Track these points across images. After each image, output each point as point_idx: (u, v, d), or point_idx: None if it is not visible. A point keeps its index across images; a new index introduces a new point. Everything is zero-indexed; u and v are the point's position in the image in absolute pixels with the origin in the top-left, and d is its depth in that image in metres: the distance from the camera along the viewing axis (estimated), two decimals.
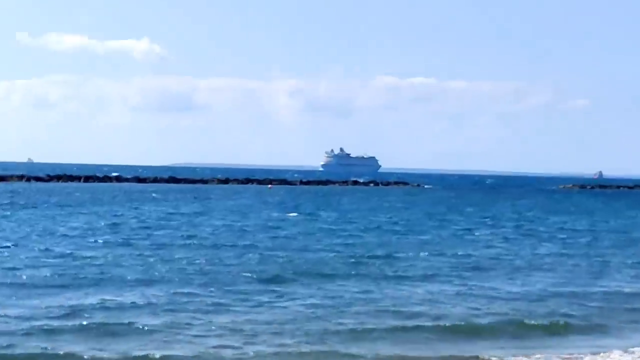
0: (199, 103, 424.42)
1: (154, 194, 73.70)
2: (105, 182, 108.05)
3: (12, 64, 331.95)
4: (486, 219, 48.78)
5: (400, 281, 20.91)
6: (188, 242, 30.35)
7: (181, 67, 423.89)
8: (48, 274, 20.39)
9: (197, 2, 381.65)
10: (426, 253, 27.75)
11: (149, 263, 23.24)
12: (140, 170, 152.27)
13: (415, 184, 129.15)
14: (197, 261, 24.04)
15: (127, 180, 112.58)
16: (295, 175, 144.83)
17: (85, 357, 12.30)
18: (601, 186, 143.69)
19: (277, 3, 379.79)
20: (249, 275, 21.24)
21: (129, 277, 20.35)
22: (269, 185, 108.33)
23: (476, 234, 37.83)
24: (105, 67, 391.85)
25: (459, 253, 28.24)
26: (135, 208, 51.29)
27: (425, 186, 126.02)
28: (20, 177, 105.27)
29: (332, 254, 26.74)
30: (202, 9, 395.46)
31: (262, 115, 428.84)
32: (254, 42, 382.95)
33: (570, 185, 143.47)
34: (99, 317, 15.02)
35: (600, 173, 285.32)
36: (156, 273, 21.21)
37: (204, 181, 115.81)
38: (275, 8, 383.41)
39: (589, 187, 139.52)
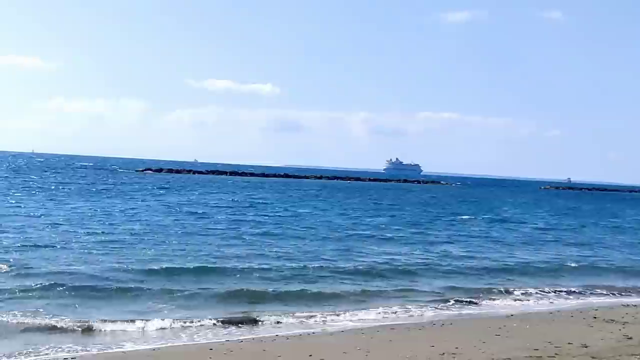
0: (304, 126, 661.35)
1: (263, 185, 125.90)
2: (242, 176, 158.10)
3: (182, 98, 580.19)
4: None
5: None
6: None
7: (292, 103, 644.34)
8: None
9: (302, 61, 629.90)
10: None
11: None
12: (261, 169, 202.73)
13: (445, 183, 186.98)
14: None
15: (253, 175, 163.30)
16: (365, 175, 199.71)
17: None
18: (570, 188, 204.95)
19: (351, 63, 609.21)
20: None
21: None
22: (348, 181, 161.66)
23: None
24: (243, 101, 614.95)
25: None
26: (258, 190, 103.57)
27: (453, 184, 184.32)
28: (189, 171, 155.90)
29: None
30: (305, 64, 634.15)
31: (343, 135, 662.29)
32: (339, 87, 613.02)
33: (548, 186, 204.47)
34: None
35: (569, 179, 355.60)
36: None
37: (307, 177, 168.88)
38: (348, 64, 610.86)
39: (561, 187, 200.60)
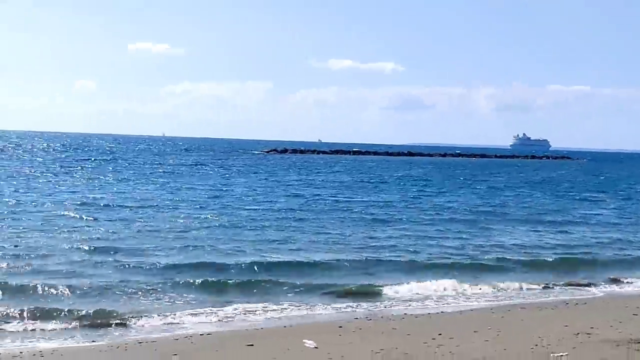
0: (426, 104, 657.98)
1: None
2: (365, 154, 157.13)
3: (305, 79, 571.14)
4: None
5: None
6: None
7: (414, 80, 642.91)
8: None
9: (423, 38, 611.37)
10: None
11: None
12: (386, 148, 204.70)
13: (576, 158, 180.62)
14: None
15: (377, 154, 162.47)
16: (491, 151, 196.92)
17: None
18: None
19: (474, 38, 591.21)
20: None
21: None
22: (473, 158, 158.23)
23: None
24: (364, 80, 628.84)
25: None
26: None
27: (582, 159, 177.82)
28: (312, 151, 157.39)
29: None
30: (430, 40, 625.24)
31: (467, 111, 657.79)
32: (462, 62, 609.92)
33: None
34: None
35: None
36: None
37: (431, 155, 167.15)
38: (477, 37, 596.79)
39: None
